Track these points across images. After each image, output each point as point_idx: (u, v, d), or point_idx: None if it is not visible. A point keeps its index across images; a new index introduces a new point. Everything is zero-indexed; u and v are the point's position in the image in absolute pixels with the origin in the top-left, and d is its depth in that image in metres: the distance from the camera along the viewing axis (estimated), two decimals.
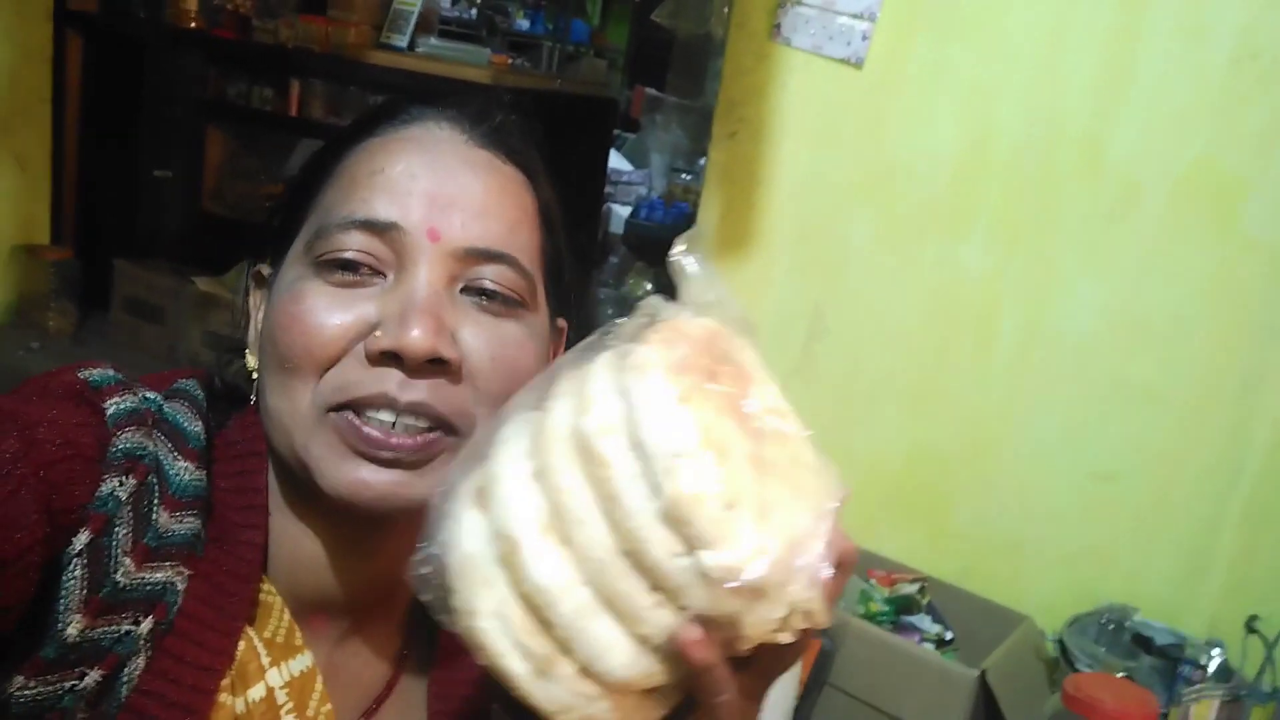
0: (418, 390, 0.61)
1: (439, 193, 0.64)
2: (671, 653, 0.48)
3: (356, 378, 0.61)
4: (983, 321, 1.91)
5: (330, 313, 0.62)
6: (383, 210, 0.63)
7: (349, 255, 0.63)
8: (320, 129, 3.22)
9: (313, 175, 0.69)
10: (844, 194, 1.98)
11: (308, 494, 0.65)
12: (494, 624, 0.48)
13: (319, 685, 0.65)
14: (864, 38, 1.91)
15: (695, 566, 0.45)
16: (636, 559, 0.46)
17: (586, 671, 0.48)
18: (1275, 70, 1.65)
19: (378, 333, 0.61)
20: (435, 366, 0.61)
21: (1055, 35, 1.79)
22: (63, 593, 0.54)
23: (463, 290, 0.64)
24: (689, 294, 0.53)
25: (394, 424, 0.61)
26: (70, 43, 3.16)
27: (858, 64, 1.92)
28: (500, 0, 5.53)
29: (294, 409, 0.62)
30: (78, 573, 0.55)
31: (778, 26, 1.97)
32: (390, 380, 0.60)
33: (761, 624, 0.47)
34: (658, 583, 0.46)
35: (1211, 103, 1.69)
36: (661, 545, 0.45)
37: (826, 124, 1.97)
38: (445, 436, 0.63)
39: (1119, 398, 1.82)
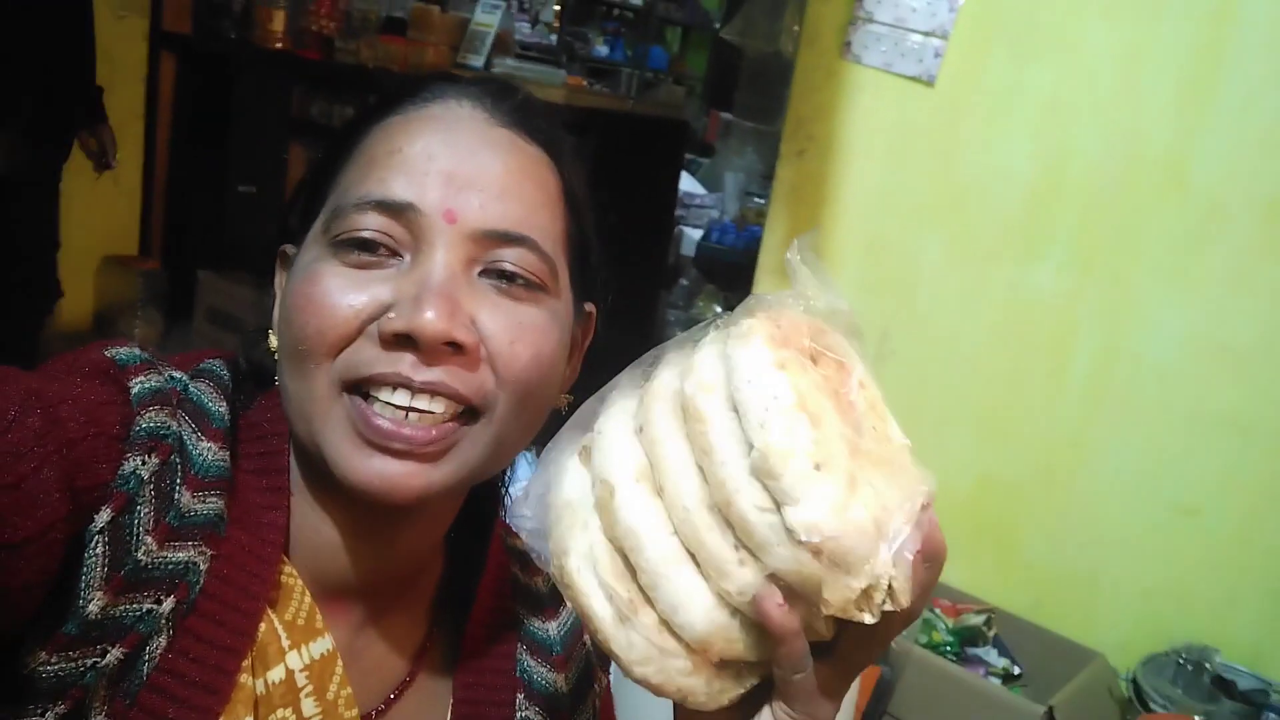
0: (434, 371, 0.59)
1: (457, 173, 0.62)
2: (751, 623, 0.48)
3: (370, 357, 0.60)
4: (1057, 346, 1.85)
5: (344, 293, 0.60)
6: (399, 190, 0.61)
7: (365, 235, 0.61)
8: None
9: (334, 155, 0.67)
10: (914, 214, 1.95)
11: (326, 478, 0.63)
12: (584, 564, 0.50)
13: (339, 669, 0.65)
14: (936, 55, 1.88)
15: (780, 522, 0.46)
16: (724, 512, 0.47)
17: (667, 624, 0.48)
18: None
19: (391, 314, 0.59)
20: (451, 351, 0.59)
21: (1135, 53, 1.74)
22: (85, 570, 0.54)
23: (481, 273, 0.62)
24: (798, 291, 0.54)
25: (406, 414, 0.59)
26: (164, 62, 3.29)
27: (929, 82, 1.89)
28: (580, 27, 5.61)
29: (309, 391, 0.61)
30: (99, 550, 0.55)
31: (848, 44, 1.95)
32: (404, 362, 0.59)
33: (842, 593, 0.46)
34: (743, 538, 0.47)
35: None
36: (749, 498, 0.46)
37: (897, 142, 1.94)
38: (462, 426, 0.61)
39: (1201, 428, 1.74)
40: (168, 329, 3.27)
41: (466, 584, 0.74)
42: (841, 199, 1.99)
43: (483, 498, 0.74)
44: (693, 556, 0.48)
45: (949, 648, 1.83)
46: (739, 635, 0.49)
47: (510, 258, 0.62)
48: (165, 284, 3.38)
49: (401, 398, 0.59)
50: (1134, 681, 1.70)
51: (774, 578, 0.47)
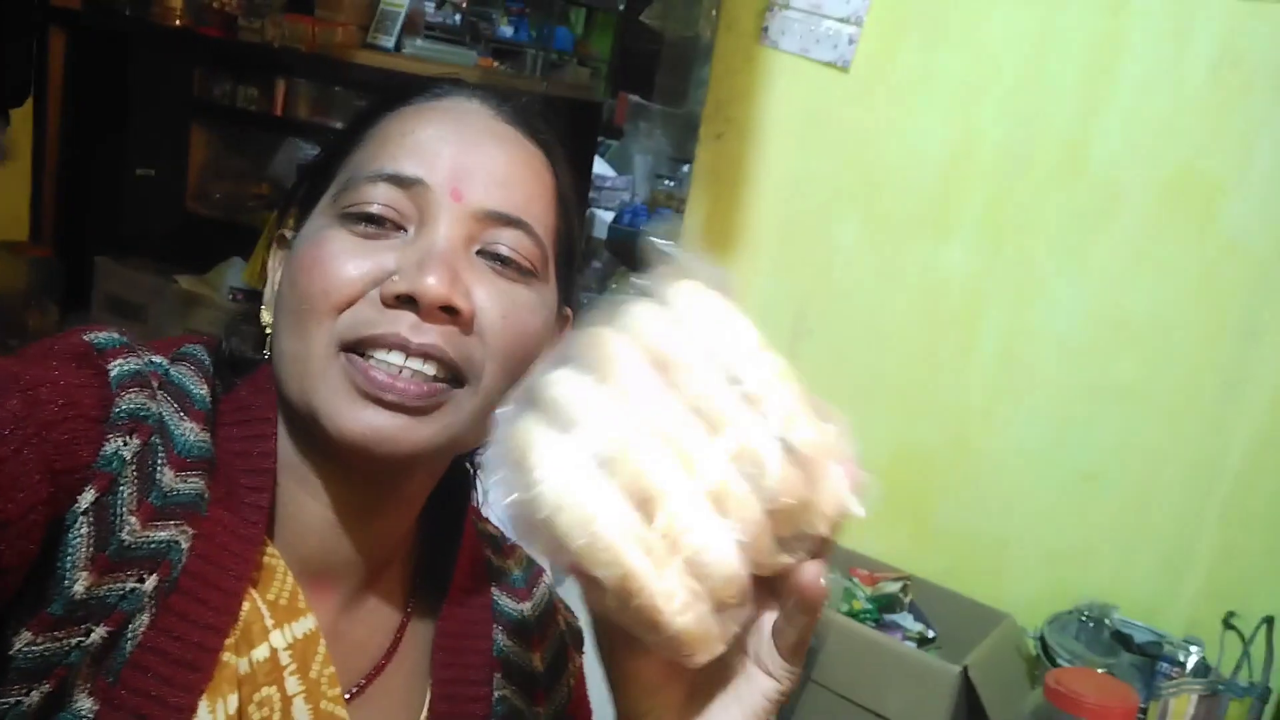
0: (430, 334, 0.62)
1: (464, 158, 0.66)
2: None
3: (370, 317, 0.63)
4: (967, 322, 1.93)
5: (351, 258, 0.64)
6: (409, 167, 0.65)
7: (374, 209, 0.65)
8: (306, 128, 3.21)
9: (344, 140, 0.71)
10: (830, 195, 2.00)
11: (315, 452, 0.66)
12: (612, 524, 0.48)
13: (322, 648, 0.66)
14: (850, 41, 1.93)
15: (781, 441, 0.48)
16: (734, 453, 0.48)
17: (692, 567, 0.49)
18: (1254, 77, 1.69)
19: (395, 277, 0.63)
20: (448, 315, 0.63)
21: (1039, 41, 1.82)
22: (69, 551, 0.55)
23: (479, 253, 0.66)
24: (676, 270, 0.54)
25: (401, 370, 0.62)
26: (53, 39, 3.15)
27: (844, 67, 1.94)
28: (485, 7, 5.54)
29: (307, 350, 0.63)
30: (84, 531, 0.55)
31: (765, 29, 1.99)
32: (403, 322, 0.62)
33: (836, 495, 0.50)
34: (753, 470, 0.49)
35: (1193, 108, 1.72)
36: (760, 430, 0.48)
37: (813, 126, 1.99)
38: (452, 388, 0.64)
39: (1101, 398, 1.84)
40: (63, 318, 3.15)
41: (442, 566, 0.76)
42: (759, 181, 2.03)
43: (455, 480, 0.76)
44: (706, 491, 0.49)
45: (868, 615, 1.90)
46: (745, 575, 0.50)
47: (507, 240, 0.67)
48: (59, 272, 3.25)
49: (397, 357, 0.62)
50: (1041, 639, 1.79)
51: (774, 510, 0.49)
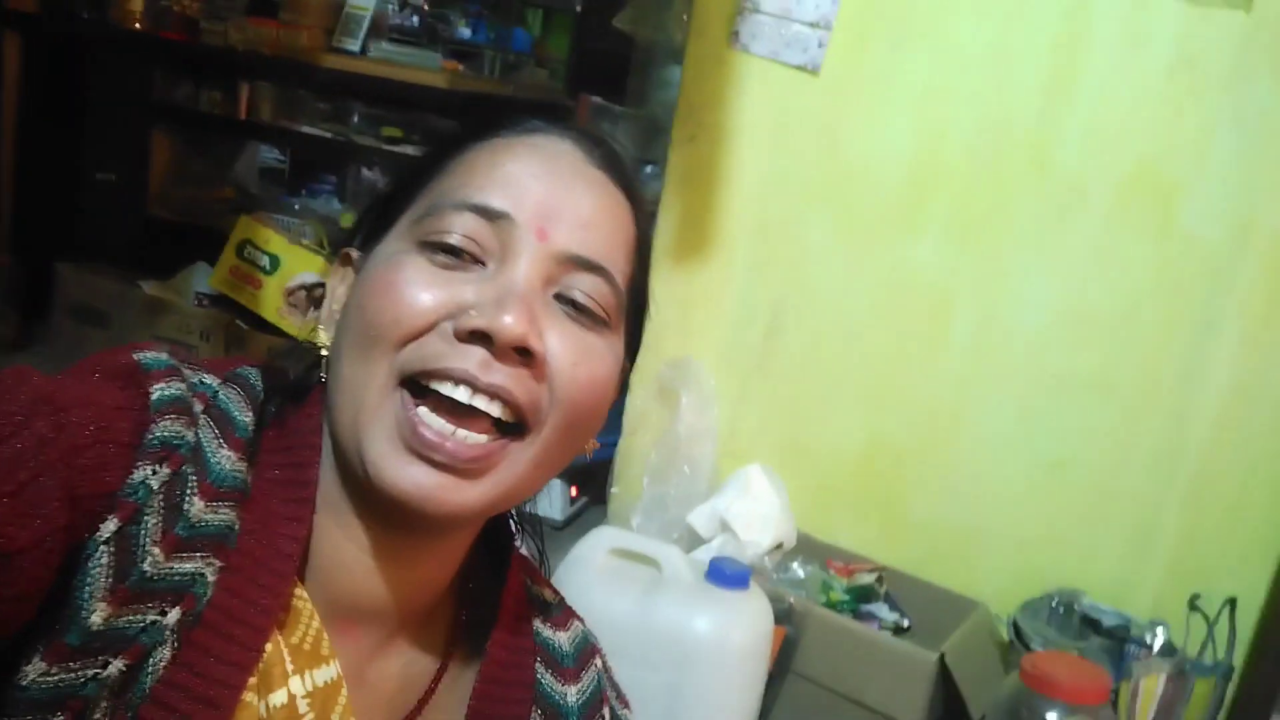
0: (499, 374, 0.61)
1: (554, 197, 0.65)
2: None
3: (439, 350, 0.61)
4: (936, 317, 1.98)
5: (427, 287, 0.62)
6: (497, 200, 0.64)
7: (454, 240, 0.63)
8: (269, 132, 3.19)
9: (427, 165, 0.69)
10: (801, 195, 2.04)
11: (356, 491, 0.64)
12: None
13: (343, 698, 0.64)
14: (820, 45, 1.97)
15: None
16: None
17: None
18: (1207, 79, 1.75)
19: (472, 312, 0.61)
20: (520, 357, 0.62)
21: (1003, 44, 1.87)
22: (88, 580, 0.54)
23: (555, 296, 0.65)
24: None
25: (454, 430, 0.61)
26: (7, 42, 3.09)
27: (814, 70, 1.98)
28: (442, 9, 5.52)
29: (367, 378, 0.62)
30: (104, 560, 0.54)
31: (736, 33, 2.02)
32: (473, 358, 0.61)
33: None
34: None
35: (1150, 109, 1.78)
36: None
37: (784, 128, 2.03)
38: (510, 443, 0.63)
39: (1067, 389, 1.89)
40: (24, 326, 3.09)
41: (483, 627, 0.74)
42: (732, 183, 2.06)
43: (498, 527, 0.75)
44: None
45: (846, 605, 1.94)
46: None
47: (585, 285, 0.66)
48: (18, 278, 3.19)
49: (463, 394, 0.61)
50: (1015, 625, 1.84)
51: None
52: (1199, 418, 1.80)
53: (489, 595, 0.74)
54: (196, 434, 0.59)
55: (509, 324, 0.60)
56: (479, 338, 0.61)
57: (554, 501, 2.32)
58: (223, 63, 3.06)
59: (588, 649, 0.80)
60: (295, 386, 0.69)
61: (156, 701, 0.55)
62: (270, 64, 2.95)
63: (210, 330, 2.73)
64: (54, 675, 0.53)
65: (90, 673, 0.53)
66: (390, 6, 3.80)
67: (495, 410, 0.62)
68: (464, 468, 0.61)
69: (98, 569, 0.54)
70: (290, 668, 0.61)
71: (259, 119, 3.27)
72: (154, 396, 0.58)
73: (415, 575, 0.68)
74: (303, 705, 0.62)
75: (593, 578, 1.59)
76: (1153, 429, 1.84)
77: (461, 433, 0.61)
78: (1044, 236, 1.89)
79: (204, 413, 0.61)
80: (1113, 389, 1.86)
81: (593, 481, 2.35)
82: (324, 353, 0.68)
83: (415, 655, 0.71)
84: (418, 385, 0.62)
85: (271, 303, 2.63)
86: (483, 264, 0.64)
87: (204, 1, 3.02)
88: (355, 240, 0.72)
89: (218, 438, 0.60)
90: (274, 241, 2.64)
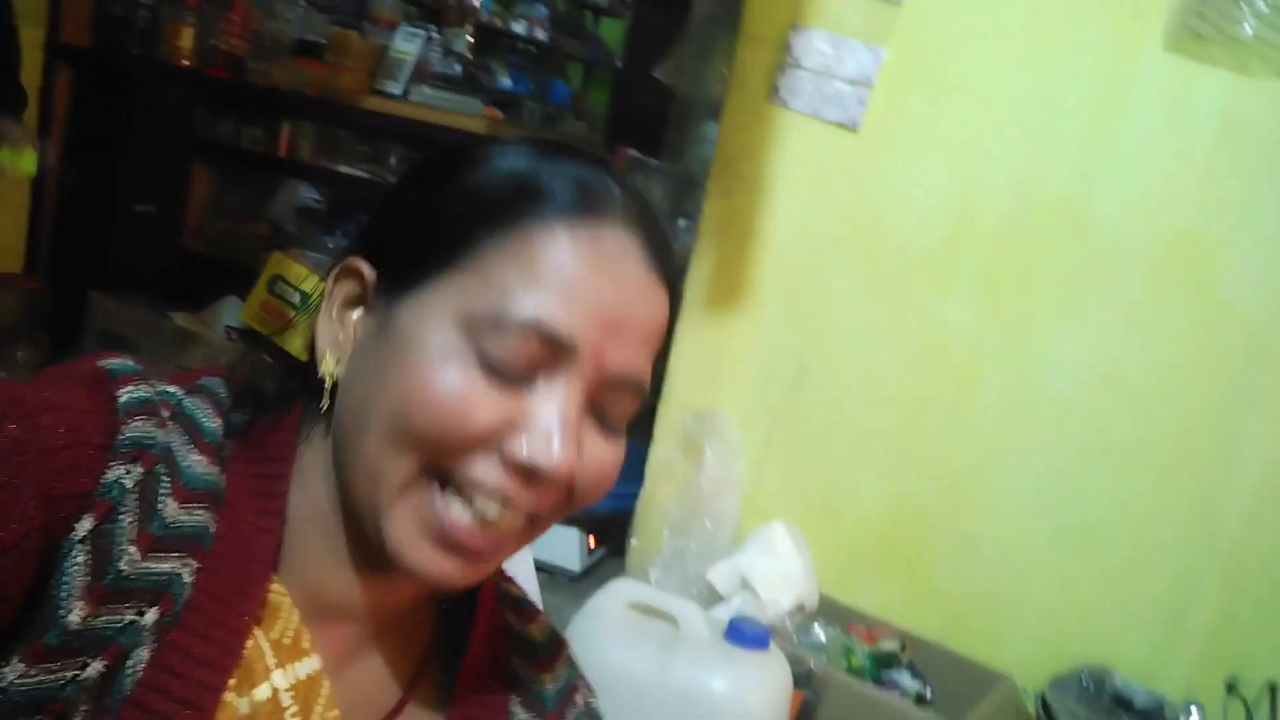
0: (533, 494, 0.62)
1: (615, 318, 0.62)
2: None
3: (482, 469, 0.61)
4: (964, 378, 1.95)
5: (483, 409, 0.60)
6: (564, 325, 0.61)
7: (518, 364, 0.61)
8: (309, 171, 3.22)
9: (474, 214, 0.64)
10: (833, 250, 2.03)
11: (355, 526, 0.65)
12: None
13: (325, 689, 0.64)
14: (860, 102, 1.97)
15: None
16: None
17: None
18: (1252, 149, 1.73)
19: (521, 441, 0.60)
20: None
21: (1042, 103, 1.87)
22: (65, 579, 0.54)
23: (589, 402, 0.64)
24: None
25: (481, 526, 0.62)
26: (59, 75, 3.17)
27: (853, 127, 1.98)
28: (485, 59, 5.62)
29: (394, 469, 0.61)
30: (80, 559, 0.54)
31: (775, 88, 2.02)
32: (514, 482, 0.61)
33: None
34: None
35: (1192, 174, 1.76)
36: None
37: (820, 183, 2.02)
38: (522, 532, 0.65)
39: (1097, 456, 1.85)
40: (54, 352, 3.12)
41: (461, 626, 0.75)
42: (765, 237, 2.06)
43: None
44: None
45: (867, 672, 1.88)
46: None
47: (622, 404, 0.66)
48: (51, 305, 3.23)
49: (494, 510, 0.62)
50: (1043, 701, 1.78)
51: None
52: (1237, 489, 1.75)
53: (467, 594, 0.76)
54: (167, 436, 0.60)
55: (560, 464, 0.61)
56: (526, 469, 0.61)
57: (572, 552, 2.28)
58: (266, 101, 3.11)
59: (556, 639, 0.82)
60: (266, 399, 0.69)
61: (136, 704, 0.56)
62: (312, 104, 2.99)
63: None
64: (33, 677, 0.53)
65: (69, 674, 0.54)
66: (434, 54, 3.87)
67: (520, 521, 0.64)
68: (485, 553, 0.63)
69: (75, 568, 0.54)
70: (273, 662, 0.62)
71: (299, 158, 3.32)
72: (122, 400, 0.59)
73: (396, 585, 0.69)
74: (286, 698, 0.62)
75: (609, 631, 1.55)
76: (1187, 500, 1.79)
77: (489, 530, 0.63)
78: (1078, 299, 1.86)
79: (171, 419, 0.61)
80: (1146, 457, 1.82)
81: (612, 532, 2.31)
82: (326, 383, 0.66)
83: (396, 653, 0.72)
84: (446, 479, 0.62)
85: (300, 339, 2.63)
86: (534, 377, 0.62)
87: (251, 42, 3.07)
88: (366, 248, 0.68)
89: (188, 442, 0.61)
90: (306, 278, 2.65)
